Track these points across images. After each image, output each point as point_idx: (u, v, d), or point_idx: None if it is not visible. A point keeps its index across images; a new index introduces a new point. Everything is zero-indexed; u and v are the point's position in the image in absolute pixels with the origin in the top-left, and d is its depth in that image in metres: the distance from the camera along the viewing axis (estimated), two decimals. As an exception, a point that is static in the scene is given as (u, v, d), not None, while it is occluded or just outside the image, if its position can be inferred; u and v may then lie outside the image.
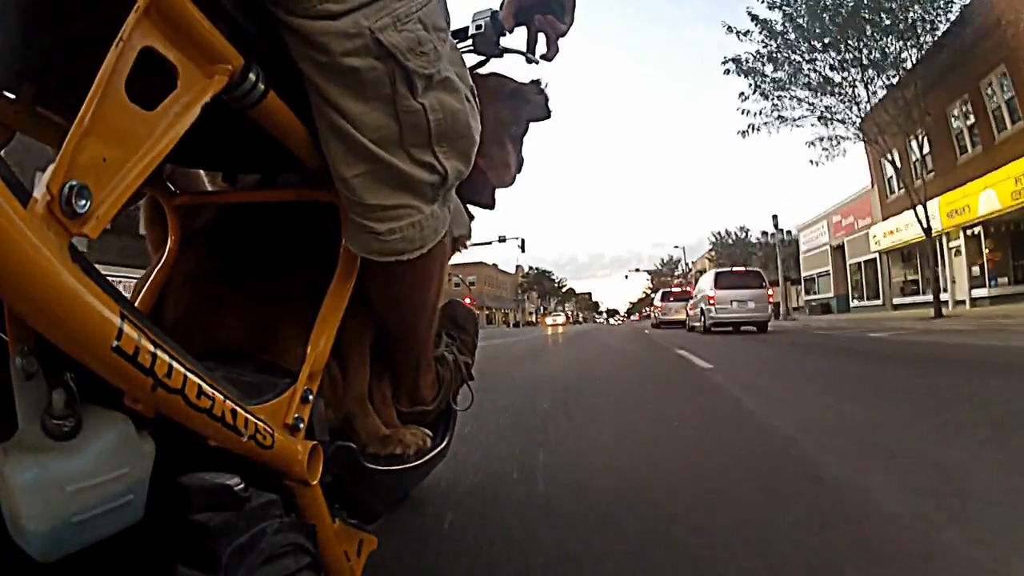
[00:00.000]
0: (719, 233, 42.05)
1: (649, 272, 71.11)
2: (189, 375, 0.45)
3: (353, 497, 0.79)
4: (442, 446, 1.06)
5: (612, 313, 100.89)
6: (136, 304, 0.77)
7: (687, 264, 55.81)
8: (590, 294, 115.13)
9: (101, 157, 0.40)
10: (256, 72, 0.54)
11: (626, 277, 58.72)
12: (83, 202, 0.38)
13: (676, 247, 73.55)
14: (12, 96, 0.63)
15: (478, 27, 1.07)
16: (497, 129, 1.07)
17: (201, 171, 0.95)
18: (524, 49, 1.11)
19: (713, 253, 43.16)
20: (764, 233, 38.59)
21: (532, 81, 1.17)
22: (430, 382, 1.07)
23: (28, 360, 0.39)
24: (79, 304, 0.37)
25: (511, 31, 1.08)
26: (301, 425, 0.63)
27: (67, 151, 0.38)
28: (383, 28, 0.57)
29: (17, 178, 0.35)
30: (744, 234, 40.37)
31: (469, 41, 1.09)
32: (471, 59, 1.12)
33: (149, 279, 0.82)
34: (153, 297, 0.81)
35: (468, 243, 1.08)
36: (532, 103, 1.15)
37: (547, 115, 1.19)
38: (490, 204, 1.10)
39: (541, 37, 1.10)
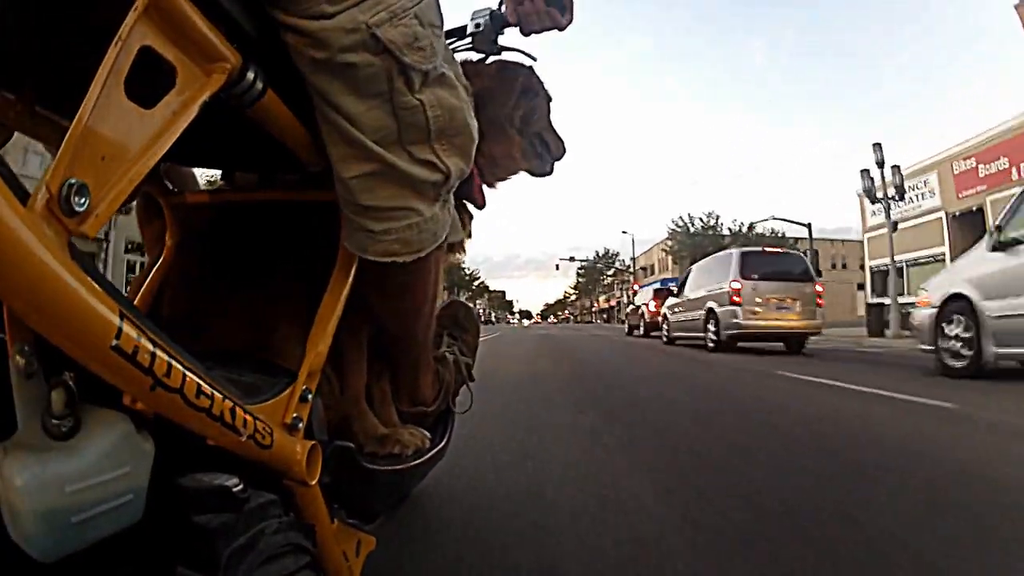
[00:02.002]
0: (681, 219, 33.81)
1: (584, 262, 55.83)
2: (188, 374, 0.45)
3: (351, 497, 0.79)
4: (440, 446, 1.06)
5: (526, 315, 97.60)
6: (135, 303, 0.77)
7: (629, 259, 44.52)
8: (504, 292, 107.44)
9: (100, 155, 0.40)
10: (255, 71, 0.54)
11: (556, 267, 49.21)
12: (82, 200, 0.38)
13: (624, 232, 57.64)
14: (12, 96, 0.63)
15: (477, 26, 1.07)
16: (492, 120, 1.05)
17: (194, 170, 0.94)
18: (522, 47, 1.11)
19: (671, 244, 34.86)
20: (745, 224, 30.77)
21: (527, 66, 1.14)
22: (430, 382, 1.07)
23: (27, 359, 0.39)
24: (78, 303, 0.36)
25: (510, 21, 1.07)
26: (300, 424, 0.63)
27: (66, 150, 0.38)
28: (379, 23, 0.58)
29: (16, 177, 0.35)
30: (714, 220, 32.84)
31: (468, 39, 1.09)
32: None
33: (148, 277, 0.82)
34: (152, 296, 0.81)
35: (466, 246, 1.07)
36: (514, 77, 1.11)
37: (548, 96, 1.16)
38: (479, 202, 1.09)
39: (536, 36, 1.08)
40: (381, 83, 0.60)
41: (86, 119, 0.39)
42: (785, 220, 19.06)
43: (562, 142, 1.22)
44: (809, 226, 16.62)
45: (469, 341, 1.25)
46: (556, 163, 1.22)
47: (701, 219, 33.44)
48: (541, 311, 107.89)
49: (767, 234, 31.19)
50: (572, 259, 45.36)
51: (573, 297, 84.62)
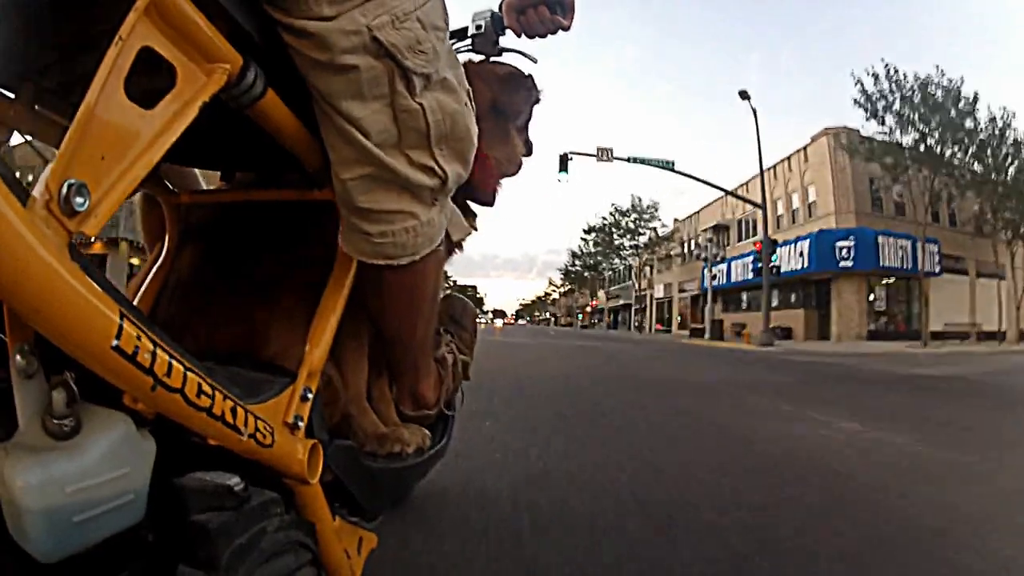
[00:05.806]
0: (882, 71, 14.34)
1: (622, 158, 17.02)
2: (189, 374, 0.45)
3: (353, 495, 0.79)
4: (441, 445, 1.06)
5: (499, 314, 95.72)
6: (135, 303, 0.77)
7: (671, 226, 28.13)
8: (475, 287, 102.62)
9: (100, 155, 0.40)
10: (255, 71, 0.54)
11: (559, 176, 16.86)
12: (82, 200, 0.38)
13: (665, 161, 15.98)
14: (12, 96, 0.63)
15: (478, 27, 1.07)
16: (497, 120, 1.05)
17: (196, 170, 0.94)
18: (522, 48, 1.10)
19: (851, 142, 16.09)
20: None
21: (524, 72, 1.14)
22: (432, 384, 1.06)
23: (28, 360, 0.39)
24: (78, 303, 0.36)
25: (512, 29, 1.07)
26: (301, 423, 0.63)
27: (66, 149, 0.38)
28: (381, 26, 0.57)
29: (16, 177, 0.35)
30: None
31: (468, 41, 1.09)
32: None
33: (148, 277, 0.82)
34: (152, 296, 0.81)
35: (465, 244, 1.07)
36: (526, 86, 1.12)
37: (537, 97, 1.16)
38: (490, 202, 1.09)
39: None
40: (382, 86, 0.60)
41: (86, 119, 0.39)
42: None
43: (532, 143, 1.22)
44: None
45: (466, 338, 1.25)
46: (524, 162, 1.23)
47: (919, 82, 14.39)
48: (516, 311, 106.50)
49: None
50: (574, 153, 17.11)
51: (558, 295, 69.92)
